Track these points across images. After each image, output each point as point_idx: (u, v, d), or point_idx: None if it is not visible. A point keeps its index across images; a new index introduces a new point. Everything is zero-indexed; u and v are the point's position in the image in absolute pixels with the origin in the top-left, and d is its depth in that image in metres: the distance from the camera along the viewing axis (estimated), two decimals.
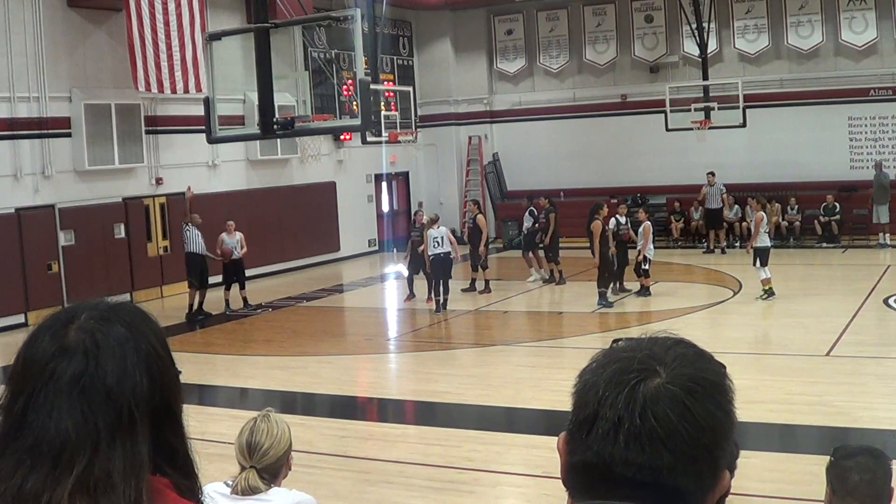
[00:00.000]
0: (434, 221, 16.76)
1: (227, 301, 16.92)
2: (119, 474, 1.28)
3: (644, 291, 16.71)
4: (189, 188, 17.56)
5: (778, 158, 23.57)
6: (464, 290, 17.75)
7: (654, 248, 17.05)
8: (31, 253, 16.54)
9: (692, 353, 1.25)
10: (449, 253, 16.35)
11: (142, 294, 18.32)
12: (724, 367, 1.26)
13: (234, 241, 16.84)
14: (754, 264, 15.72)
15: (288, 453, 3.56)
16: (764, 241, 15.85)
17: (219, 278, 16.99)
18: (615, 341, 1.29)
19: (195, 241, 16.36)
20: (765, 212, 16.26)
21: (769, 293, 15.50)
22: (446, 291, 16.35)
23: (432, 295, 16.61)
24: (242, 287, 17.04)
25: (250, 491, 3.41)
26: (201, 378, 11.67)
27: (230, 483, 3.47)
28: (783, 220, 23.19)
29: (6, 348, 11.91)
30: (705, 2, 23.00)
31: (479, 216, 18.12)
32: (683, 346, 1.25)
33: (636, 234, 16.95)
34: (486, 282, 18.01)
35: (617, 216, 17.17)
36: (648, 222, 16.89)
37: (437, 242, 16.33)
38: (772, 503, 6.75)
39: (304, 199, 22.69)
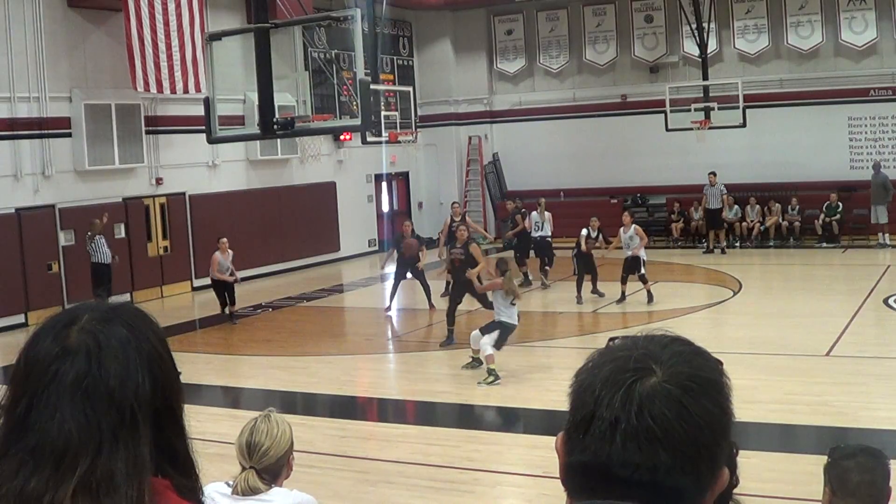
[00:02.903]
0: (538, 206, 18.99)
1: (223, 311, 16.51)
2: (122, 475, 1.28)
3: (649, 297, 16.32)
4: (105, 215, 16.91)
5: (778, 158, 23.56)
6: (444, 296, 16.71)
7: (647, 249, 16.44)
8: (31, 253, 16.54)
9: (688, 350, 1.24)
10: (547, 236, 18.33)
11: (142, 294, 18.33)
12: (721, 363, 1.26)
13: (227, 263, 16.05)
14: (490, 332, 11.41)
15: (289, 454, 3.56)
16: (511, 317, 11.40)
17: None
18: (612, 339, 1.29)
19: (101, 250, 16.18)
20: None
21: (493, 374, 11.09)
22: (545, 265, 18.25)
23: (432, 302, 16.49)
24: (232, 303, 16.27)
25: (250, 491, 3.42)
26: (201, 378, 11.67)
27: (231, 483, 3.48)
28: (783, 220, 23.19)
29: (6, 348, 11.92)
30: (705, 2, 22.99)
31: (467, 216, 18.43)
32: (680, 344, 1.25)
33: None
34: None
35: (588, 228, 16.68)
36: (635, 225, 16.40)
37: (538, 226, 18.40)
38: (772, 503, 6.75)
39: (304, 199, 22.69)
